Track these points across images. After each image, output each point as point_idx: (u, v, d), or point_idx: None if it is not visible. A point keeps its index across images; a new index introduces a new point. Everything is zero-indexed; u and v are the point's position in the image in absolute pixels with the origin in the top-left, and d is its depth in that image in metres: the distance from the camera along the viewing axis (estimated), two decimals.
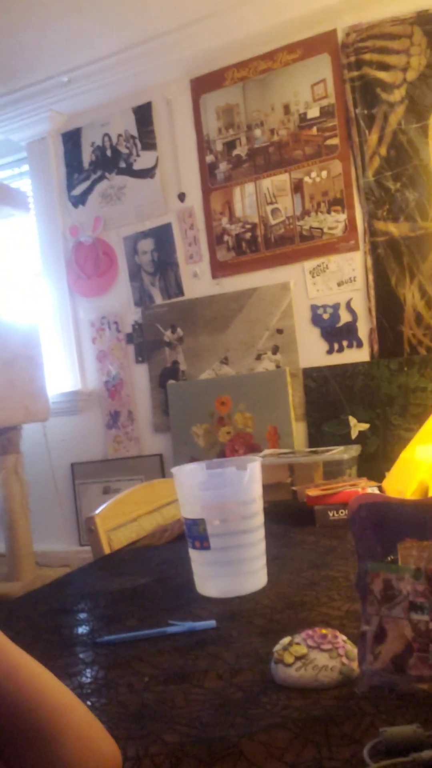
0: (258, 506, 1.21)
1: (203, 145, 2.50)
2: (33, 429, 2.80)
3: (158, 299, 2.64)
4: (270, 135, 2.38)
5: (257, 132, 2.40)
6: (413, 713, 0.67)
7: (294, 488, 1.92)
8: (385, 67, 2.15)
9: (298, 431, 2.36)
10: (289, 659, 0.82)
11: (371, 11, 2.15)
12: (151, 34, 2.42)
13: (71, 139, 2.82)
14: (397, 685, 0.74)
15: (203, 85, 2.49)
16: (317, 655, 0.81)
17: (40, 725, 0.52)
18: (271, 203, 2.37)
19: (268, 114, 2.37)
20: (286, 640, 0.86)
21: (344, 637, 0.84)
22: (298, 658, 0.82)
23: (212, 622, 1.04)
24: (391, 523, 0.79)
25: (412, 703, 0.70)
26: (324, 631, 0.86)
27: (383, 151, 2.17)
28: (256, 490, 1.21)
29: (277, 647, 0.85)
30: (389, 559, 0.78)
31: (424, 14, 2.08)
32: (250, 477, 1.20)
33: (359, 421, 2.22)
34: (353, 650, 0.81)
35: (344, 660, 0.80)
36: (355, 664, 0.79)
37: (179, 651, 0.97)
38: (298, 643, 0.85)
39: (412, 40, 2.11)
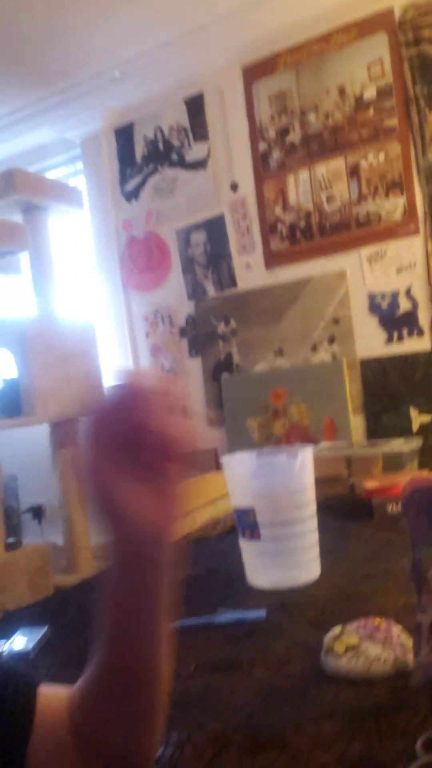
0: (310, 495, 1.17)
1: (256, 133, 2.46)
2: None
3: (211, 292, 2.62)
4: (324, 119, 2.32)
5: (311, 117, 2.34)
6: None
7: (351, 481, 1.87)
8: None
9: (356, 424, 2.29)
10: (340, 649, 0.79)
11: None
12: (201, 22, 2.40)
13: (124, 134, 2.83)
14: None
15: (255, 72, 2.45)
16: (370, 646, 0.77)
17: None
18: (326, 189, 2.32)
19: (323, 98, 2.31)
20: (337, 629, 0.82)
21: (399, 628, 0.80)
22: (349, 649, 0.78)
23: (262, 612, 1.01)
24: None
25: None
26: (377, 621, 0.82)
27: None
28: (308, 479, 1.17)
29: (328, 637, 0.81)
30: None
31: None
32: (301, 465, 1.16)
33: (420, 412, 2.14)
34: (408, 642, 0.76)
35: (398, 652, 0.76)
36: (410, 656, 0.74)
37: (228, 640, 0.95)
38: (349, 633, 0.81)
39: None
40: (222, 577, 1.27)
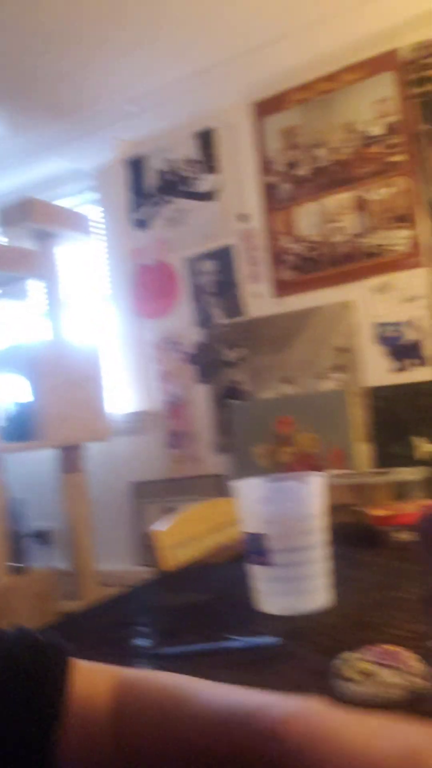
0: (321, 522, 1.17)
1: (265, 166, 2.53)
2: (95, 448, 2.85)
3: (220, 319, 2.65)
4: (332, 154, 2.38)
5: (319, 151, 2.41)
6: None
7: (359, 509, 1.87)
8: None
9: (363, 452, 2.30)
10: (353, 675, 0.79)
11: (431, 27, 2.13)
12: (213, 61, 2.47)
13: (135, 165, 2.90)
14: None
15: (265, 108, 2.52)
16: (383, 672, 0.78)
17: None
18: (334, 221, 2.37)
19: (331, 133, 2.37)
20: (348, 655, 0.83)
21: (412, 655, 0.80)
22: (362, 674, 0.79)
23: (274, 639, 1.01)
24: None
25: None
26: (390, 647, 0.83)
27: None
28: (319, 505, 1.18)
29: (340, 662, 0.82)
30: None
31: None
32: (312, 491, 1.17)
33: (428, 442, 2.16)
34: (423, 668, 0.77)
35: (411, 678, 0.76)
36: (425, 683, 0.75)
37: (239, 666, 0.95)
38: (362, 659, 0.81)
39: None
40: (231, 602, 1.27)
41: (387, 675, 0.78)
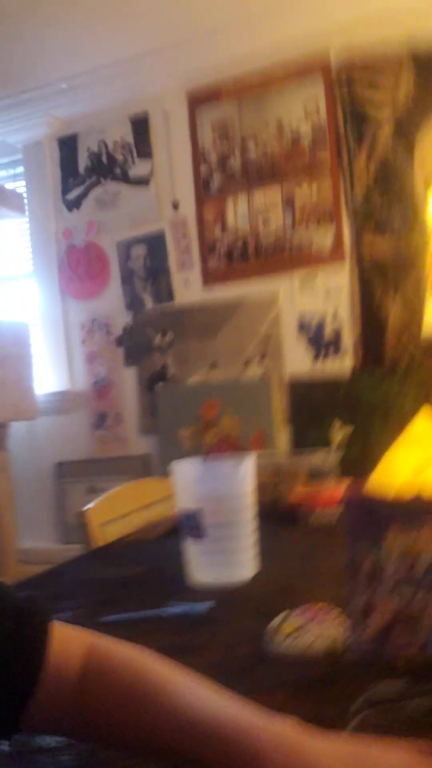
0: (251, 499, 1.28)
1: (198, 156, 2.59)
2: (19, 427, 2.84)
3: (149, 304, 2.71)
4: (263, 150, 2.47)
5: (251, 146, 2.49)
6: (398, 676, 0.75)
7: (279, 490, 1.99)
8: (375, 88, 2.26)
9: (283, 436, 2.44)
10: (283, 631, 0.90)
11: (362, 34, 2.25)
12: (150, 46, 2.50)
13: (67, 144, 2.89)
14: (383, 653, 0.82)
15: (200, 98, 2.58)
16: (311, 627, 0.89)
17: None
18: (263, 215, 2.47)
19: (262, 129, 2.47)
20: (282, 614, 0.93)
21: (337, 611, 0.92)
22: (292, 631, 0.89)
23: (209, 603, 1.11)
24: (383, 514, 0.86)
25: (396, 669, 0.78)
26: (319, 605, 0.94)
27: (371, 169, 2.27)
28: (250, 484, 1.28)
29: (273, 622, 0.93)
30: (377, 543, 0.86)
31: (411, 43, 2.19)
32: (244, 471, 1.27)
33: (343, 426, 2.31)
34: (344, 623, 0.88)
35: (335, 632, 0.88)
36: (345, 637, 0.86)
37: (178, 629, 1.04)
38: (292, 618, 0.92)
39: (401, 66, 2.22)
40: (165, 574, 1.35)
41: (314, 630, 0.89)
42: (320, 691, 0.77)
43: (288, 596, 1.10)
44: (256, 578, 1.23)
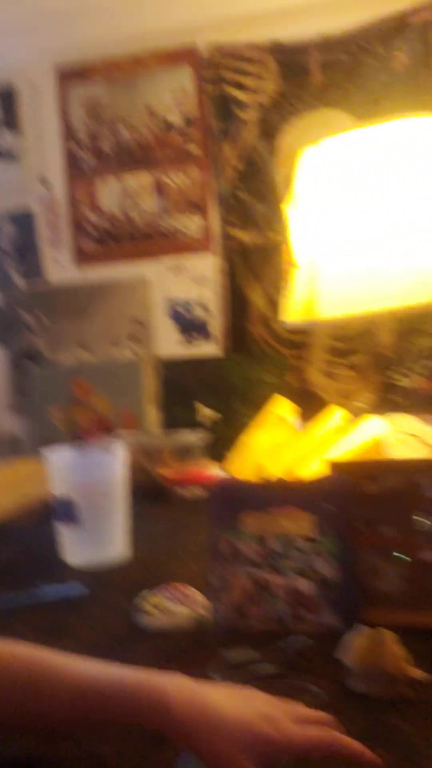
0: (122, 485, 1.37)
1: (68, 134, 2.56)
2: None
3: (18, 282, 2.67)
4: (134, 134, 2.50)
5: (122, 129, 2.51)
6: (249, 644, 0.88)
7: (149, 469, 2.09)
8: (241, 87, 2.36)
9: (152, 416, 2.54)
10: (149, 608, 1.01)
11: (230, 33, 2.33)
12: (18, 13, 2.42)
13: None
14: (239, 625, 0.95)
15: (70, 75, 2.54)
16: (174, 606, 1.00)
17: None
18: (134, 199, 2.51)
19: (134, 113, 2.49)
20: (146, 593, 1.04)
21: (195, 590, 1.04)
22: (157, 607, 1.00)
23: (81, 586, 1.19)
24: (238, 499, 0.99)
25: (248, 637, 0.91)
26: (179, 585, 1.06)
27: (238, 164, 2.38)
28: (121, 471, 1.37)
29: (139, 599, 1.03)
30: (234, 525, 0.98)
31: (276, 44, 2.31)
32: (117, 458, 1.36)
33: (209, 408, 2.44)
34: (204, 600, 1.00)
35: (195, 608, 1.00)
36: (205, 611, 0.98)
37: (52, 610, 1.12)
38: (156, 595, 1.03)
39: (266, 66, 2.33)
40: (38, 557, 1.41)
41: (177, 608, 1.00)
42: (184, 659, 0.88)
43: (157, 574, 1.21)
44: (127, 559, 1.33)
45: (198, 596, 1.03)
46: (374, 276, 1.30)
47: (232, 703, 0.57)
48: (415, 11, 2.19)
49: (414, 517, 0.92)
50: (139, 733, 0.63)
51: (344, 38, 2.25)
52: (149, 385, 2.54)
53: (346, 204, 1.38)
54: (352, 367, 2.30)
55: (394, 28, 2.21)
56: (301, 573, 0.93)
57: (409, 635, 0.79)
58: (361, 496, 0.96)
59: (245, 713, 0.56)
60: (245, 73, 2.36)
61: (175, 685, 0.57)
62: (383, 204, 1.33)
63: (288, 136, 2.35)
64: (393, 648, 0.76)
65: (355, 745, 0.55)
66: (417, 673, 0.74)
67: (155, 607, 1.01)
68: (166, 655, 0.90)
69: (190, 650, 0.91)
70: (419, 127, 1.31)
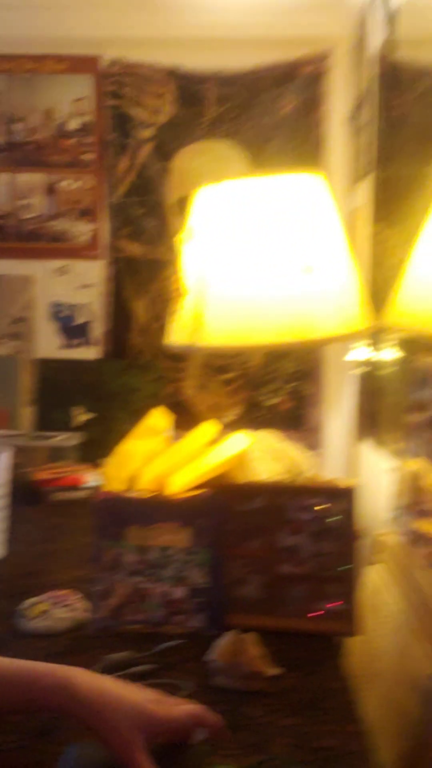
0: (4, 490, 1.41)
1: None
2: None
3: None
4: (30, 133, 2.49)
5: (18, 127, 2.49)
6: (128, 646, 0.98)
7: (23, 470, 2.11)
8: (139, 104, 2.43)
9: (28, 416, 2.53)
10: (33, 613, 1.07)
11: (131, 51, 2.39)
12: None
13: None
14: (117, 627, 1.04)
15: None
16: (55, 610, 1.08)
17: None
18: (25, 198, 2.50)
19: (30, 113, 2.48)
20: (31, 599, 1.11)
21: (79, 595, 1.12)
22: (40, 613, 1.07)
23: None
24: (123, 512, 1.08)
25: (127, 640, 1.01)
26: (61, 591, 1.13)
27: (132, 178, 2.45)
28: (4, 477, 1.41)
29: (24, 605, 1.09)
30: (119, 538, 1.07)
31: (177, 69, 2.41)
32: (2, 465, 1.39)
33: (85, 411, 2.49)
34: (85, 604, 1.09)
35: (78, 612, 1.08)
36: (86, 614, 1.07)
37: None
38: (41, 601, 1.10)
39: (166, 88, 2.42)
40: None
41: (58, 612, 1.08)
42: (67, 661, 0.96)
43: (35, 577, 1.27)
44: (4, 561, 1.37)
45: (79, 602, 1.11)
46: (257, 310, 1.44)
47: (126, 689, 0.69)
48: (306, 62, 2.39)
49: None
50: (26, 725, 0.72)
51: (240, 76, 2.41)
52: (26, 384, 2.54)
53: (235, 240, 1.51)
54: (225, 383, 2.46)
55: (285, 75, 2.39)
56: (177, 581, 1.04)
57: (267, 636, 0.93)
58: (232, 514, 1.09)
59: (137, 697, 0.68)
60: (145, 92, 2.44)
61: (78, 672, 0.68)
62: (268, 244, 1.47)
63: (181, 159, 2.46)
64: (252, 648, 0.89)
65: (216, 718, 0.70)
66: (273, 670, 0.88)
67: (38, 611, 1.08)
68: (48, 657, 0.97)
69: (72, 652, 0.99)
70: (301, 183, 1.48)
